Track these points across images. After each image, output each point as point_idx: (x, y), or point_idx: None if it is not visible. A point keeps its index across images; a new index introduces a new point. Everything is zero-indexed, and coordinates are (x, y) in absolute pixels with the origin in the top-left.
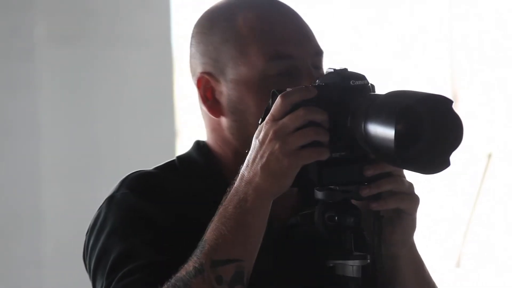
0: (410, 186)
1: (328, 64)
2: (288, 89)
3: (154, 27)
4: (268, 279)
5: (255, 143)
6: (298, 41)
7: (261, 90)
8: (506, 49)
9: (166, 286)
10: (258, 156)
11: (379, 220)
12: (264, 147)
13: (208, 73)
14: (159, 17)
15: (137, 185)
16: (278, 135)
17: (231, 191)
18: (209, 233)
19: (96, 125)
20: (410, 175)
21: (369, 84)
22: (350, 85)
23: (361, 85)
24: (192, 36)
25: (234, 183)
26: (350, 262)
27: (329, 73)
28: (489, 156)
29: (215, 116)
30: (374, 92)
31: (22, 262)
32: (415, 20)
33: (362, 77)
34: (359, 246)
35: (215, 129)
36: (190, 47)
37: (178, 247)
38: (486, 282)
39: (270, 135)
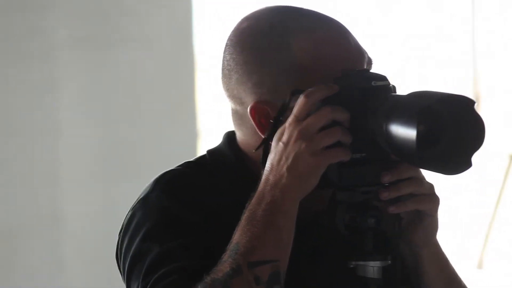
0: (431, 187)
1: None
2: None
3: (175, 28)
4: (290, 281)
5: (277, 145)
6: (357, 56)
7: None
8: None
9: (203, 285)
10: (284, 157)
11: (399, 222)
12: (289, 148)
13: (265, 102)
14: (180, 18)
15: (171, 188)
16: (304, 134)
17: (256, 195)
18: (240, 236)
19: (117, 127)
20: (431, 176)
21: (391, 85)
22: (372, 86)
23: (383, 86)
24: (237, 63)
25: (258, 188)
26: (371, 263)
27: (350, 73)
28: (511, 157)
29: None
30: (396, 92)
31: (42, 264)
32: (437, 19)
33: (383, 78)
34: (381, 247)
35: (253, 134)
36: (232, 72)
37: (212, 249)
38: (508, 284)
39: (295, 135)
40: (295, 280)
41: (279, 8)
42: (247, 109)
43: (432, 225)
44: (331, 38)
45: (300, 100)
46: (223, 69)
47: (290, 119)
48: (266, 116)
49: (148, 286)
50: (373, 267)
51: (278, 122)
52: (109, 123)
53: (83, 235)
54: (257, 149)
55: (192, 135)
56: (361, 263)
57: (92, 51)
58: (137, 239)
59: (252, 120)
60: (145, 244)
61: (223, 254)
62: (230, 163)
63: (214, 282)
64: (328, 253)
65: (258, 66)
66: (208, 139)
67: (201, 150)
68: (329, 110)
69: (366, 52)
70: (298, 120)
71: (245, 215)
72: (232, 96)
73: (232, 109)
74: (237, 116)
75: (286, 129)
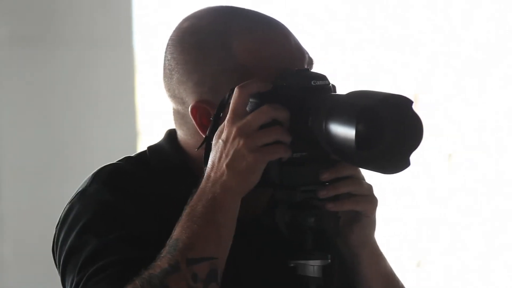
0: (369, 188)
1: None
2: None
3: (116, 28)
4: (230, 280)
5: (218, 142)
6: (297, 58)
7: None
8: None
9: (139, 283)
10: (224, 155)
11: (337, 220)
12: (228, 145)
13: (206, 101)
14: (121, 18)
15: (110, 181)
16: (242, 131)
17: (198, 192)
18: (180, 232)
19: (57, 126)
20: (370, 175)
21: (330, 85)
22: (312, 85)
23: (322, 85)
24: (178, 62)
25: (199, 185)
26: (311, 262)
27: (289, 72)
28: (450, 156)
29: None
30: (335, 92)
31: None
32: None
33: (323, 77)
34: (321, 246)
35: (194, 135)
36: (171, 71)
37: (150, 242)
38: (447, 282)
39: (234, 132)
40: (236, 279)
41: (221, 8)
42: (188, 108)
43: (369, 226)
44: (271, 38)
45: (234, 93)
46: (164, 69)
47: (228, 116)
48: (207, 116)
49: (83, 280)
50: (313, 266)
51: (218, 120)
52: (50, 123)
53: (23, 235)
54: (199, 147)
55: (132, 135)
56: (302, 262)
57: (33, 51)
58: (74, 232)
59: (193, 120)
60: (82, 237)
61: (162, 249)
62: (170, 160)
63: (152, 278)
64: (268, 252)
65: (199, 65)
66: (148, 138)
67: (141, 149)
68: (269, 108)
69: (307, 52)
70: (236, 115)
71: (186, 211)
72: (173, 96)
73: (174, 109)
74: (179, 116)
75: (225, 127)
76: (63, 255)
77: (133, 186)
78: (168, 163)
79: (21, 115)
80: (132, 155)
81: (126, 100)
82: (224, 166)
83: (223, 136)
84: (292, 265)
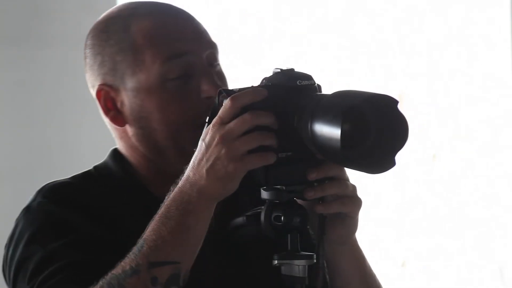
0: (354, 189)
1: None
2: (234, 89)
3: None
4: (215, 281)
5: (201, 144)
6: (190, 38)
7: (161, 95)
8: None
9: (101, 283)
10: (204, 159)
11: (322, 221)
12: (210, 150)
13: (108, 85)
14: None
15: (53, 194)
16: (224, 139)
17: (175, 190)
18: (149, 232)
19: (43, 127)
20: (355, 175)
21: (316, 84)
22: (297, 85)
23: (308, 85)
24: (88, 48)
25: (178, 182)
26: (296, 262)
27: (275, 73)
28: (434, 156)
29: (119, 126)
30: (321, 92)
31: None
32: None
33: (308, 77)
34: (306, 246)
35: (122, 137)
36: (85, 59)
37: (97, 247)
38: (432, 282)
39: (216, 139)
40: (220, 280)
41: (134, 1)
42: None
43: (351, 225)
44: (166, 19)
45: (226, 103)
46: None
47: (214, 120)
48: (111, 100)
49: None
50: (298, 266)
51: (210, 122)
52: (34, 123)
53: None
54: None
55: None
56: (287, 262)
57: (16, 50)
58: (21, 246)
59: (99, 106)
60: (29, 248)
61: (132, 247)
62: (115, 174)
63: (112, 279)
64: (253, 252)
65: (101, 46)
66: None
67: None
68: (252, 116)
69: (207, 37)
70: (222, 123)
71: (161, 209)
72: (90, 86)
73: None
74: (106, 123)
75: (210, 130)
76: (13, 269)
77: (76, 197)
78: (113, 177)
79: (4, 116)
80: (77, 173)
81: None
82: (204, 170)
83: (206, 140)
84: (277, 265)
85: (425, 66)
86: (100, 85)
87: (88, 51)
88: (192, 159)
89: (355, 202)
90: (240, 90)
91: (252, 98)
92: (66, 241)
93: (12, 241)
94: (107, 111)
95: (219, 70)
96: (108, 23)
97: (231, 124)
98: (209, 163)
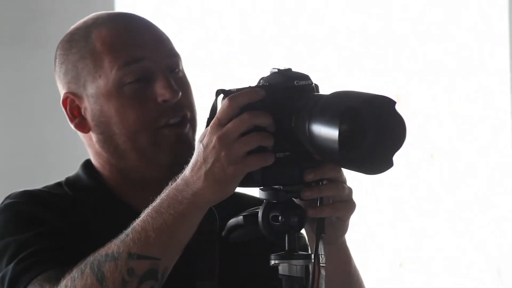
0: (349, 192)
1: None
2: (232, 89)
3: None
4: (210, 280)
5: (199, 146)
6: (149, 44)
7: (119, 99)
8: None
9: (84, 262)
10: (202, 160)
11: (321, 220)
12: (208, 152)
13: (72, 93)
14: None
15: (21, 196)
16: (223, 142)
17: (172, 186)
18: (139, 221)
19: (38, 127)
20: (352, 175)
21: (313, 84)
22: (294, 85)
23: (305, 85)
24: (56, 59)
25: (177, 179)
26: (294, 262)
27: (273, 74)
28: (432, 156)
29: (84, 132)
30: (318, 92)
31: None
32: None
33: (306, 77)
34: (301, 245)
35: (89, 144)
36: (55, 67)
37: (68, 239)
38: (430, 282)
39: (214, 141)
40: (218, 279)
41: (104, 12)
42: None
43: (341, 228)
44: (125, 27)
45: (224, 103)
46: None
47: (212, 122)
48: (77, 108)
49: (10, 270)
50: (296, 266)
51: (209, 123)
52: (29, 123)
53: None
54: None
55: None
56: (285, 261)
57: (12, 50)
58: None
59: (65, 112)
60: (2, 242)
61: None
62: (84, 182)
63: (94, 260)
64: (250, 252)
65: (65, 55)
66: None
67: None
68: (250, 116)
69: (169, 45)
70: (220, 124)
71: (156, 201)
72: (61, 94)
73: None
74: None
75: (208, 132)
76: None
77: (45, 197)
78: (81, 182)
79: (1, 115)
80: (50, 183)
81: None
82: (202, 173)
83: (204, 141)
84: (275, 265)
85: (423, 67)
86: (65, 93)
87: (56, 61)
88: (191, 160)
89: (348, 207)
90: (238, 90)
91: (249, 98)
92: (38, 232)
93: None
94: (72, 119)
95: (181, 76)
96: (73, 33)
97: (229, 125)
98: (208, 165)
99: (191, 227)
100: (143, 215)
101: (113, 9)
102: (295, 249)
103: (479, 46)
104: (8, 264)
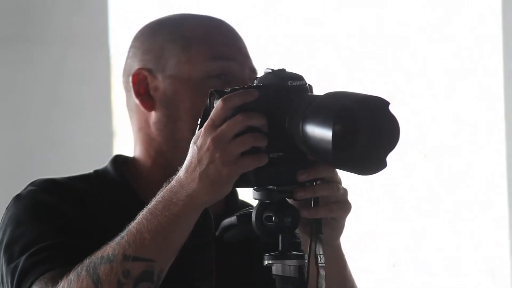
0: (344, 193)
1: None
2: (226, 89)
3: (91, 28)
4: (207, 280)
5: (193, 147)
6: (240, 51)
7: (199, 89)
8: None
9: (81, 265)
10: (196, 161)
11: (318, 221)
12: (202, 153)
13: (147, 69)
14: (97, 18)
15: (44, 184)
16: (217, 143)
17: (167, 188)
18: (134, 223)
19: (33, 126)
20: (346, 175)
21: (307, 85)
22: (288, 86)
23: (299, 86)
24: (136, 38)
25: (171, 181)
26: (288, 262)
27: (266, 74)
28: (425, 157)
29: (146, 110)
30: (312, 92)
31: None
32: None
33: (300, 78)
34: (297, 246)
35: (141, 128)
36: (130, 48)
37: (84, 234)
38: (423, 283)
39: (208, 142)
40: (211, 280)
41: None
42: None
43: (336, 229)
44: (218, 27)
45: (217, 104)
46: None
47: (206, 123)
48: (145, 86)
49: (21, 263)
50: (289, 266)
51: (202, 125)
52: (24, 122)
53: None
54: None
55: (107, 135)
56: (278, 262)
57: (6, 50)
58: (10, 229)
59: (132, 89)
60: (17, 231)
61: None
62: (111, 179)
63: (90, 262)
64: (244, 252)
65: (153, 35)
66: (123, 139)
67: (117, 149)
68: (244, 117)
69: (250, 59)
70: (214, 125)
71: (151, 204)
72: (124, 75)
73: (126, 102)
74: (128, 106)
75: (202, 134)
76: (1, 252)
77: (67, 188)
78: (109, 181)
79: None
80: (75, 174)
81: (102, 100)
82: (196, 174)
83: (198, 143)
84: (268, 265)
85: (417, 67)
86: (138, 68)
87: (135, 41)
88: (185, 162)
89: (343, 207)
90: (232, 90)
91: (243, 99)
92: (54, 224)
93: (2, 227)
94: (138, 94)
95: None
96: (161, 20)
97: (223, 127)
98: (202, 167)
99: (186, 229)
100: (138, 218)
101: (106, 9)
102: (289, 249)
103: (474, 45)
104: (20, 254)
